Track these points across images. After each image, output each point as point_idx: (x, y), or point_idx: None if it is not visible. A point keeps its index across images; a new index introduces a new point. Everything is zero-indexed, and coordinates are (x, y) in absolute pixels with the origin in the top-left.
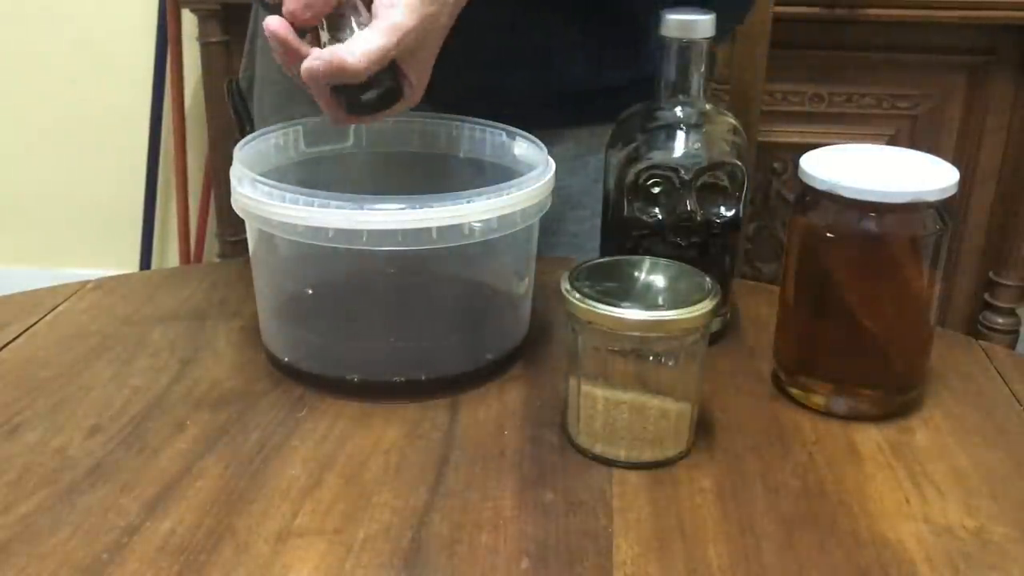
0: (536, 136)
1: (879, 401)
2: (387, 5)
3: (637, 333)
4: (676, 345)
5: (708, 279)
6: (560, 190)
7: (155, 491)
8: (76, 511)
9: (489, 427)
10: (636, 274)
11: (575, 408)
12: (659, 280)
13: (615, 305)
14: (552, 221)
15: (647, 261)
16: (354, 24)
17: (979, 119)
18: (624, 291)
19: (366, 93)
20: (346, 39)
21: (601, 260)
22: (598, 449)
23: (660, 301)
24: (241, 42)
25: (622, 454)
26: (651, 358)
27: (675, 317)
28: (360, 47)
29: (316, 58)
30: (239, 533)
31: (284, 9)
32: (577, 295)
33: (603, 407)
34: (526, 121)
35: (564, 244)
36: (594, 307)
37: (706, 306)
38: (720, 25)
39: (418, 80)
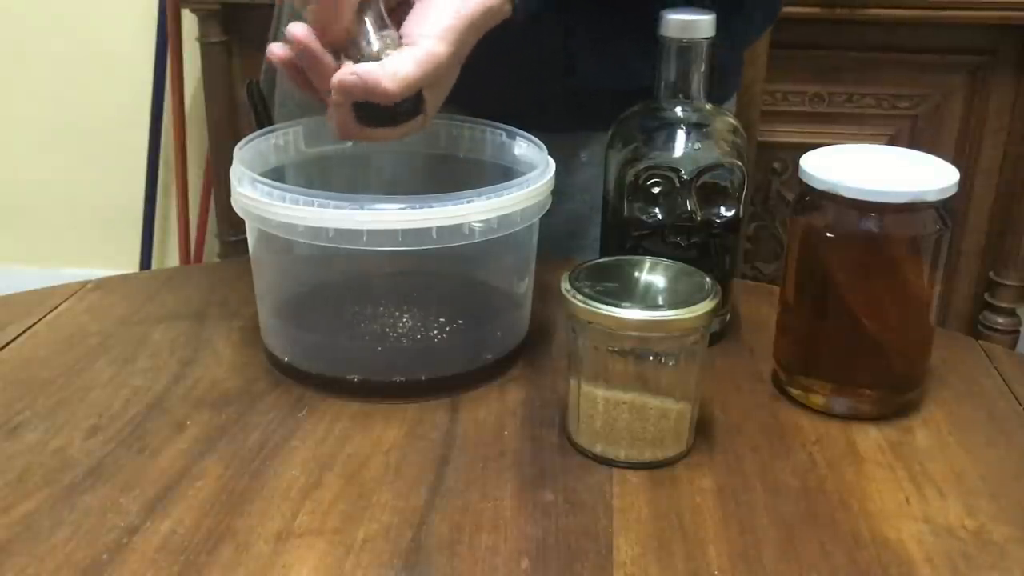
0: (565, 141)
1: (879, 401)
2: (424, 34)
3: (637, 333)
4: (676, 345)
5: (708, 279)
6: (586, 194)
7: (155, 491)
8: (76, 511)
9: (489, 427)
10: (636, 274)
11: (575, 408)
12: (659, 280)
13: (615, 305)
14: (579, 224)
15: (647, 261)
16: (371, 35)
17: (979, 119)
18: (624, 291)
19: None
20: (365, 49)
21: (601, 260)
22: (598, 449)
23: (660, 301)
24: (241, 42)
25: (622, 454)
26: (651, 358)
27: (675, 317)
28: (398, 72)
29: (352, 72)
30: (239, 533)
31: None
32: (578, 295)
33: (603, 407)
34: (554, 126)
35: (587, 247)
36: (594, 307)
37: (706, 306)
38: (754, 28)
39: (433, 106)
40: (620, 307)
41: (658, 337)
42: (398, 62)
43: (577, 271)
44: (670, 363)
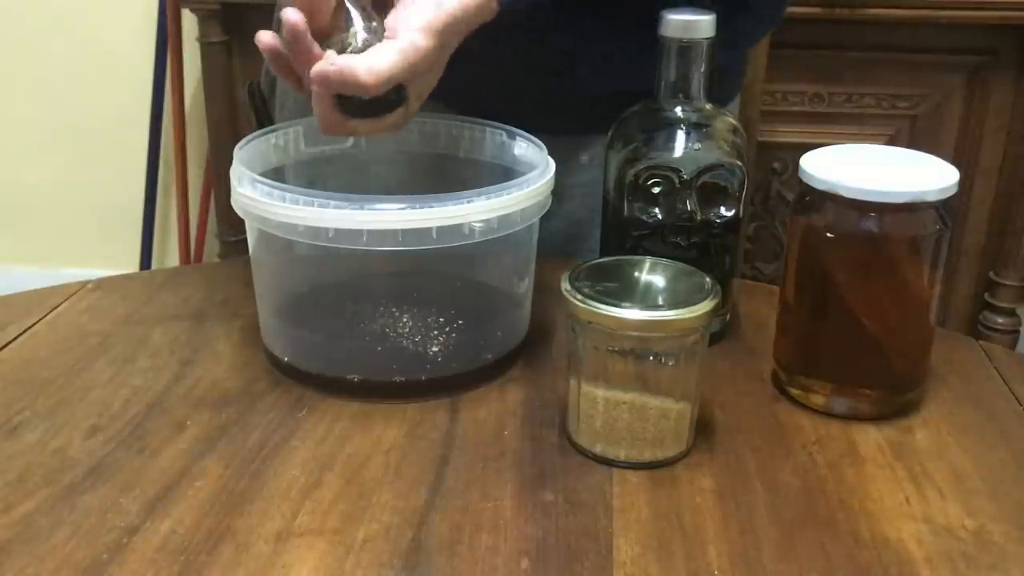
0: (567, 142)
1: (879, 401)
2: (406, 27)
3: (637, 333)
4: (676, 345)
5: (708, 279)
6: (587, 196)
7: (155, 491)
8: (76, 511)
9: (489, 427)
10: (636, 274)
11: (575, 408)
12: (659, 280)
13: (615, 305)
14: (580, 227)
15: (647, 261)
16: (358, 25)
17: (979, 119)
18: (624, 291)
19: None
20: (350, 40)
21: (601, 260)
22: (598, 449)
23: (660, 301)
24: (241, 42)
25: (622, 454)
26: (651, 358)
27: (675, 317)
28: (375, 66)
29: (331, 64)
30: (239, 533)
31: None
32: (578, 295)
33: (603, 407)
34: (556, 127)
35: (587, 250)
36: (594, 307)
37: (706, 306)
38: (761, 27)
39: (418, 100)
40: (620, 307)
41: (658, 337)
42: (376, 56)
43: (577, 271)
44: (670, 363)
